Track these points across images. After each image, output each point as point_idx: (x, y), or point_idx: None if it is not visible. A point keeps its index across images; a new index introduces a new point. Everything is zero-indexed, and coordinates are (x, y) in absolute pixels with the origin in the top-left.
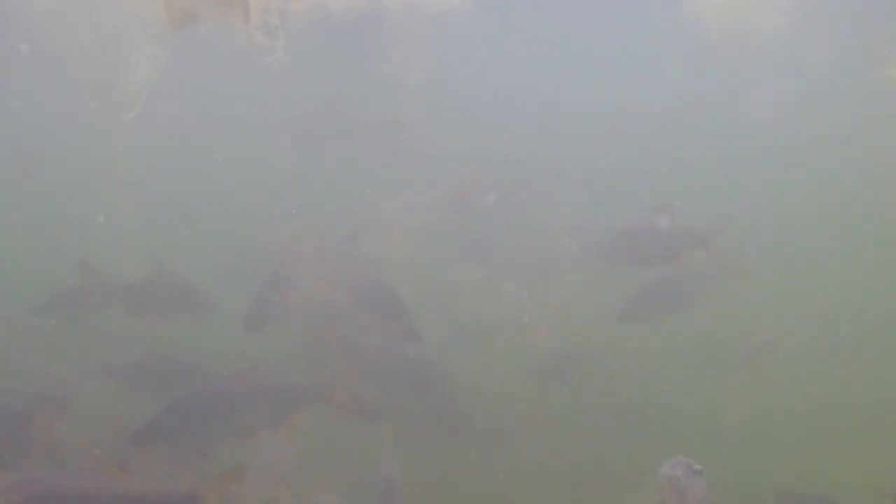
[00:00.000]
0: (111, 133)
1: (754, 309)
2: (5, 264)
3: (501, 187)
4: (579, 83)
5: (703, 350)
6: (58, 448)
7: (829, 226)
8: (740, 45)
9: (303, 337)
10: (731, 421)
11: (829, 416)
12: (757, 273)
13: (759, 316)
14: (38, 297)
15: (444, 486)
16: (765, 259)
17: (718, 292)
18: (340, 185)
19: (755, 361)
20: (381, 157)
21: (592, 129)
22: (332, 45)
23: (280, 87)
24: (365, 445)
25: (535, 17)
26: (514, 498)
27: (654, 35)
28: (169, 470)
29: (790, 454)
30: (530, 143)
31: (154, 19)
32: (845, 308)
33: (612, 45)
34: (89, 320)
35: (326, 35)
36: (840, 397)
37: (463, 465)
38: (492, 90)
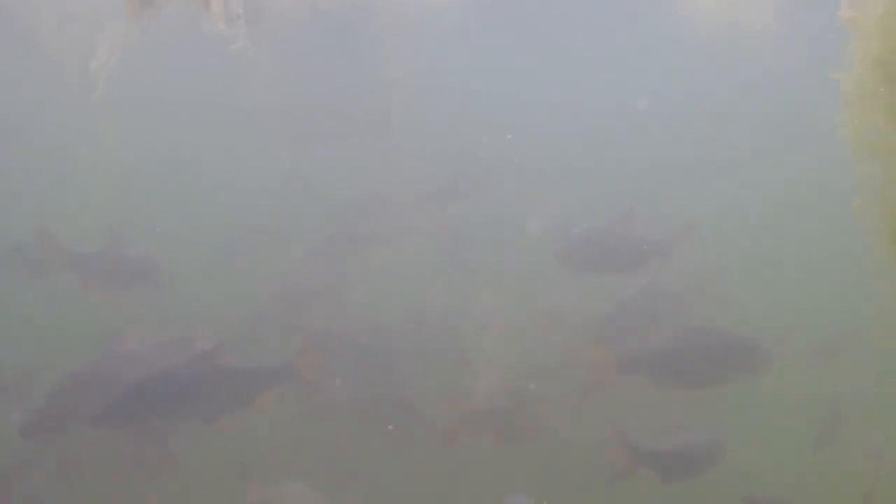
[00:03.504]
0: (88, 119)
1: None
2: None
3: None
4: (567, 80)
5: None
6: None
7: (801, 227)
8: (725, 42)
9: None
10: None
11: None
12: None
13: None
14: None
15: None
16: (735, 263)
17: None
18: (329, 178)
19: None
20: (368, 152)
21: (581, 127)
22: (319, 38)
23: (265, 78)
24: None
25: (521, 12)
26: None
27: (641, 32)
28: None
29: (763, 458)
30: (517, 140)
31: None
32: (816, 310)
33: (600, 42)
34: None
35: (313, 27)
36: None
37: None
38: (479, 85)
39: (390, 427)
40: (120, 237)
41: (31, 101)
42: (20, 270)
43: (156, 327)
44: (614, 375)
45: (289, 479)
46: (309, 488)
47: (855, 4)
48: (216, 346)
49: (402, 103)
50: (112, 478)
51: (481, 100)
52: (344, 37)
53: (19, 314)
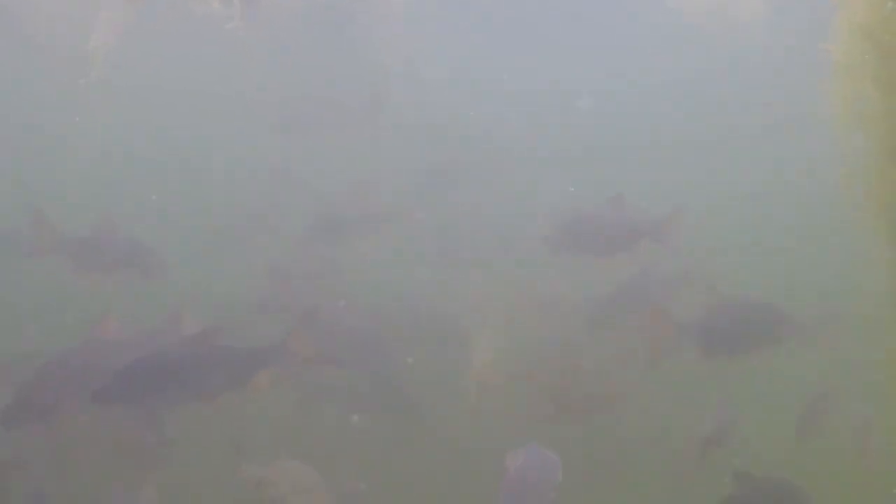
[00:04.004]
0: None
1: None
2: None
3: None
4: (557, 65)
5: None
6: None
7: (791, 209)
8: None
9: None
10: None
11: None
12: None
13: None
14: None
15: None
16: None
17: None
18: (320, 164)
19: None
20: (359, 138)
21: (572, 114)
22: (312, 25)
23: (258, 64)
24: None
25: (513, 1)
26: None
27: (632, 18)
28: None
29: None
30: (506, 125)
31: None
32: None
33: (589, 27)
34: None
35: (306, 14)
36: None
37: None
38: (472, 74)
39: (409, 360)
40: (113, 222)
41: (27, 86)
42: (14, 253)
43: (146, 312)
44: (673, 346)
45: (285, 458)
46: (305, 466)
47: None
48: (212, 327)
49: (394, 91)
50: (108, 459)
51: (475, 89)
52: (336, 23)
53: (12, 298)
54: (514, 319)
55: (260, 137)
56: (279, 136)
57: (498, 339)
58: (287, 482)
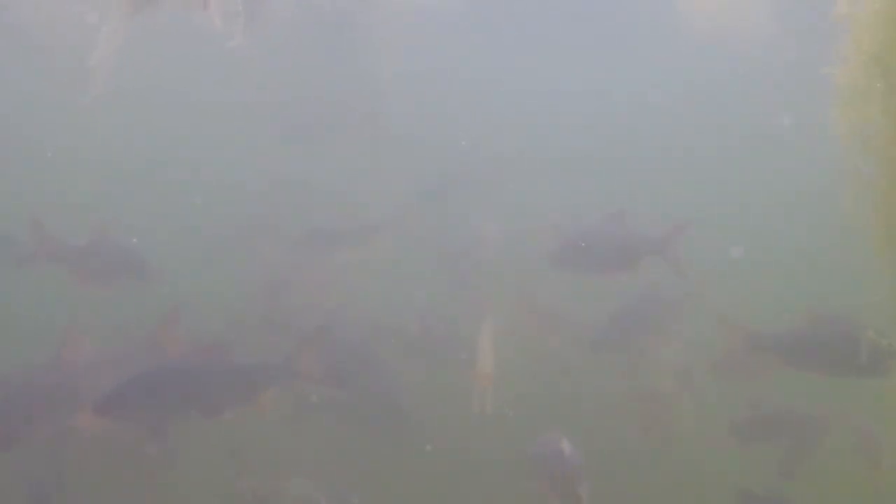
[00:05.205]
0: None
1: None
2: None
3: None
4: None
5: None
6: None
7: (793, 225)
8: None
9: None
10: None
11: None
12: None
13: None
14: None
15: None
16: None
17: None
18: (320, 175)
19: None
20: (358, 149)
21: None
22: (317, 35)
23: (258, 73)
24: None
25: (517, 7)
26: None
27: (637, 28)
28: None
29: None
30: (514, 136)
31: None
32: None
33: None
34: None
35: (311, 24)
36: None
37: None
38: (477, 81)
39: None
40: (109, 231)
41: (26, 95)
42: (10, 260)
43: (142, 321)
44: (746, 352)
45: (285, 473)
46: (305, 480)
47: (850, 0)
48: (218, 342)
49: (394, 100)
50: (110, 473)
51: (477, 96)
52: (336, 29)
53: (7, 305)
54: (513, 333)
55: (259, 145)
56: (278, 144)
57: (498, 352)
58: (285, 497)
